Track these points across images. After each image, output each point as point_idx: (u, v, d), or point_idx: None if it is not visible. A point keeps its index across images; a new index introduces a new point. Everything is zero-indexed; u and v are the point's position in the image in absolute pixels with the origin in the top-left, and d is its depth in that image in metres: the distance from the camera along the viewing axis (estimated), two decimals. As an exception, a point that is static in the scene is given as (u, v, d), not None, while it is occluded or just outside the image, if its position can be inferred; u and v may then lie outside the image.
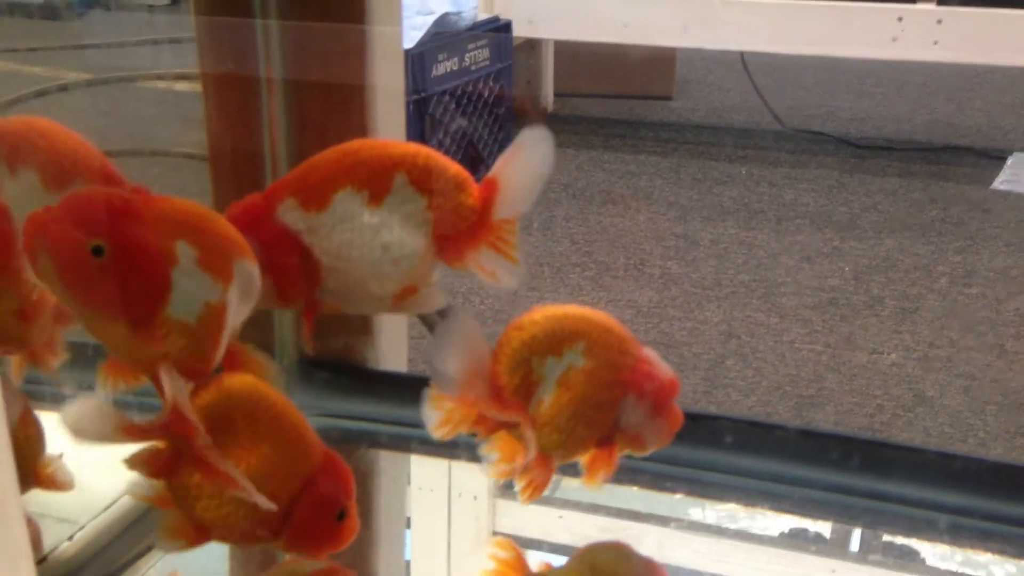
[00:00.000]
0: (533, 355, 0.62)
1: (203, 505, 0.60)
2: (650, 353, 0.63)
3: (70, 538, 0.68)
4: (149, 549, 0.71)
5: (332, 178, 0.62)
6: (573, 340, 0.62)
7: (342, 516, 0.62)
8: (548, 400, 0.62)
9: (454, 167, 0.64)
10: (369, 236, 0.62)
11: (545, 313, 0.62)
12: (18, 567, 0.43)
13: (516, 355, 0.62)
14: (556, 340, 0.62)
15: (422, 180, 0.63)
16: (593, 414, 0.62)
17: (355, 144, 0.64)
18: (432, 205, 0.63)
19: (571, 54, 2.91)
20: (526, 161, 0.63)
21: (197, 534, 0.62)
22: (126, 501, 0.73)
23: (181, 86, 2.83)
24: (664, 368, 0.63)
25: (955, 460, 0.83)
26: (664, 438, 0.64)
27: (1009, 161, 2.53)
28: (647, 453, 0.64)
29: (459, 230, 0.64)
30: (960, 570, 0.79)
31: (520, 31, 2.53)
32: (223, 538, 0.62)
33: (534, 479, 0.63)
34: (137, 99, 2.80)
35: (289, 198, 0.62)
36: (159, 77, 2.86)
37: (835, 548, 0.82)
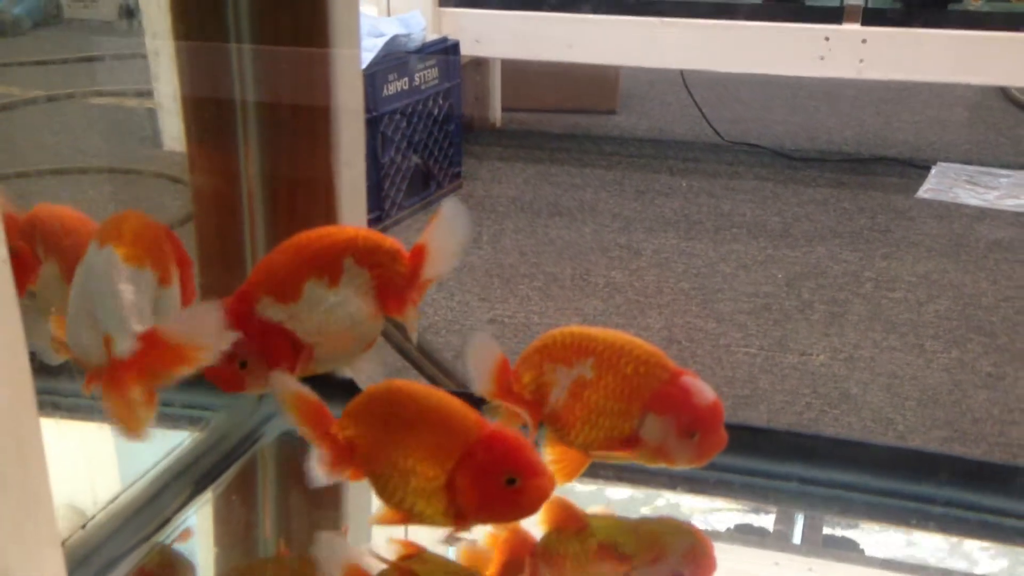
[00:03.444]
0: (544, 360, 0.76)
1: (379, 490, 0.70)
2: (689, 380, 0.74)
3: (83, 527, 0.76)
4: (151, 535, 0.79)
5: (297, 272, 0.75)
6: (583, 355, 0.74)
7: (513, 483, 0.67)
8: (561, 402, 0.75)
9: (388, 242, 0.77)
10: (338, 313, 0.75)
11: (565, 330, 0.76)
12: (48, 553, 0.50)
13: (530, 359, 0.76)
14: (567, 352, 0.75)
15: (365, 258, 0.76)
16: (604, 421, 0.74)
17: (303, 238, 0.77)
18: (373, 276, 0.76)
19: (518, 71, 3.00)
20: (447, 230, 0.76)
21: (401, 519, 0.71)
22: (130, 493, 0.81)
23: (132, 103, 2.87)
24: (701, 395, 0.74)
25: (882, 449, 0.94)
26: (693, 458, 0.74)
27: (933, 171, 2.67)
28: (679, 468, 0.75)
29: (395, 290, 0.77)
30: (896, 557, 0.84)
31: (468, 50, 2.62)
32: (419, 520, 0.70)
33: (565, 467, 0.77)
34: (90, 116, 2.83)
35: (264, 296, 0.74)
36: (112, 94, 2.89)
37: (778, 541, 0.86)
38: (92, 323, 0.64)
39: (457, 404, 0.70)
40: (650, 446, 0.74)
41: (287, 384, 0.71)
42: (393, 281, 0.76)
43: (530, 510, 0.69)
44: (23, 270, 0.70)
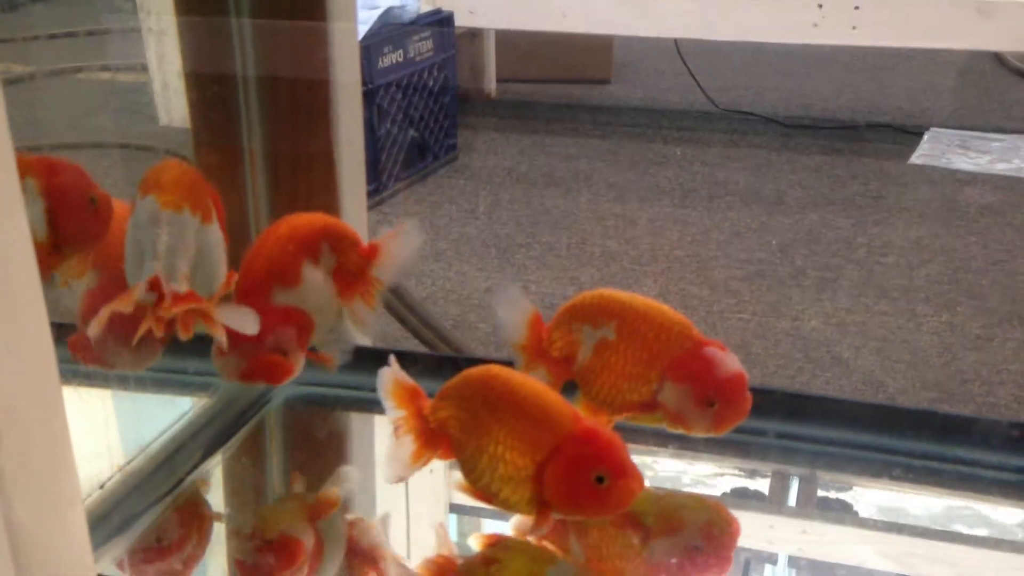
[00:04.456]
0: (573, 320, 0.78)
1: (467, 472, 0.71)
2: (712, 351, 0.75)
3: (101, 486, 0.80)
4: (165, 495, 0.83)
5: (295, 257, 0.80)
6: (606, 318, 0.77)
7: (602, 481, 0.67)
8: (586, 361, 0.78)
9: (351, 230, 0.84)
10: (326, 289, 0.82)
11: (596, 292, 0.79)
12: (71, 511, 0.53)
13: (562, 316, 0.79)
14: (593, 314, 0.77)
15: (335, 244, 0.83)
16: (623, 383, 0.77)
17: (286, 226, 0.82)
18: (337, 260, 0.83)
19: (512, 42, 3.00)
20: (402, 243, 0.83)
21: (483, 499, 0.72)
22: (144, 456, 0.85)
23: (125, 77, 2.87)
24: (721, 367, 0.75)
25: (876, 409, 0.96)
26: (711, 427, 0.76)
27: (925, 136, 2.69)
28: (696, 435, 0.77)
29: (348, 277, 0.83)
30: (888, 518, 0.87)
31: (462, 21, 2.62)
32: (502, 506, 0.72)
33: None
34: (83, 91, 2.83)
35: (275, 285, 0.79)
36: (107, 69, 2.89)
37: (773, 504, 0.88)
38: (143, 267, 0.70)
39: (554, 397, 0.70)
40: (669, 412, 0.76)
41: (386, 372, 0.72)
42: (347, 268, 0.83)
43: (615, 510, 0.69)
44: (102, 218, 0.74)
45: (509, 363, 0.83)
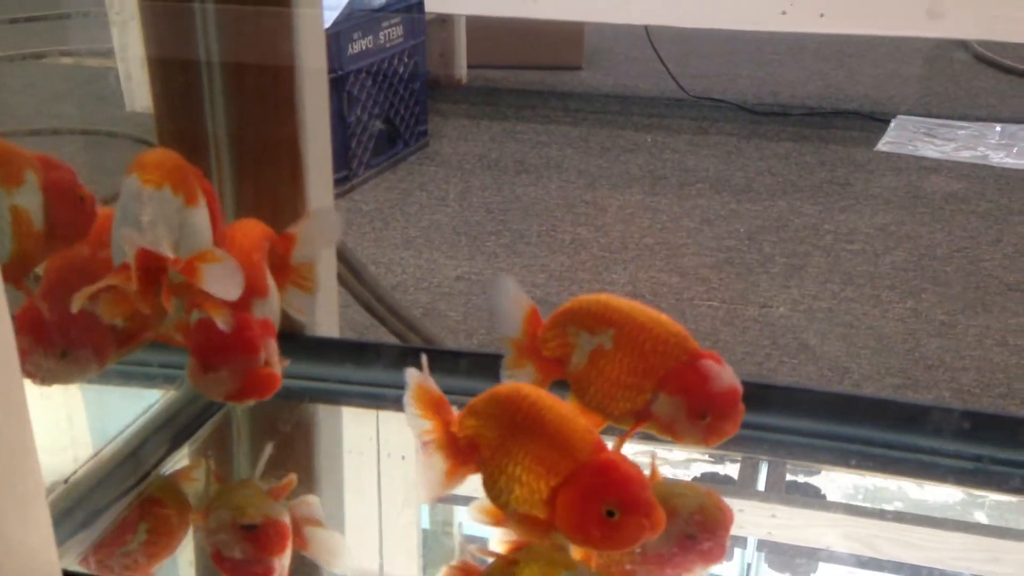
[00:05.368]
0: (569, 324, 0.78)
1: (488, 488, 0.70)
2: (707, 364, 0.74)
3: (66, 481, 0.79)
4: (131, 489, 0.82)
5: (262, 266, 0.82)
6: (604, 325, 0.76)
7: (613, 515, 0.65)
8: (580, 366, 0.78)
9: (272, 230, 0.87)
10: (277, 292, 0.85)
11: (595, 297, 0.78)
12: (34, 506, 0.53)
13: (558, 317, 0.79)
14: (590, 319, 0.77)
15: (273, 245, 0.86)
16: (616, 392, 0.76)
17: (242, 236, 0.84)
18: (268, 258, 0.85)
19: (483, 28, 2.99)
20: (314, 226, 0.87)
21: (499, 519, 0.72)
22: (110, 449, 0.84)
23: (91, 62, 2.84)
24: (716, 381, 0.74)
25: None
26: (701, 440, 0.76)
27: (892, 124, 2.71)
28: (686, 446, 0.78)
29: (274, 271, 0.86)
30: (855, 503, 0.88)
31: (432, 7, 2.61)
32: (515, 528, 0.70)
33: None
34: (47, 76, 2.79)
35: (253, 298, 0.79)
36: (72, 53, 2.85)
37: (743, 488, 0.89)
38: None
39: (579, 423, 0.69)
40: (661, 422, 0.76)
41: (413, 376, 0.70)
42: (274, 264, 0.85)
43: (623, 546, 0.67)
44: (88, 216, 0.76)
45: (482, 354, 0.83)
